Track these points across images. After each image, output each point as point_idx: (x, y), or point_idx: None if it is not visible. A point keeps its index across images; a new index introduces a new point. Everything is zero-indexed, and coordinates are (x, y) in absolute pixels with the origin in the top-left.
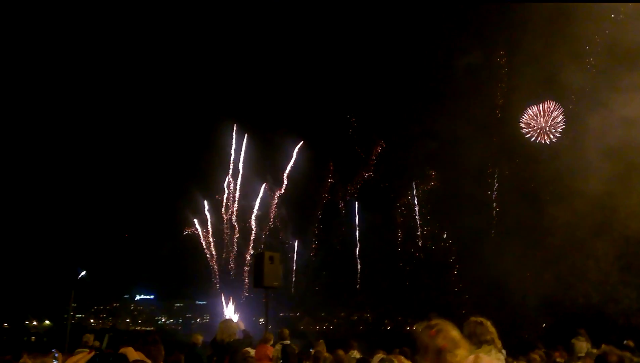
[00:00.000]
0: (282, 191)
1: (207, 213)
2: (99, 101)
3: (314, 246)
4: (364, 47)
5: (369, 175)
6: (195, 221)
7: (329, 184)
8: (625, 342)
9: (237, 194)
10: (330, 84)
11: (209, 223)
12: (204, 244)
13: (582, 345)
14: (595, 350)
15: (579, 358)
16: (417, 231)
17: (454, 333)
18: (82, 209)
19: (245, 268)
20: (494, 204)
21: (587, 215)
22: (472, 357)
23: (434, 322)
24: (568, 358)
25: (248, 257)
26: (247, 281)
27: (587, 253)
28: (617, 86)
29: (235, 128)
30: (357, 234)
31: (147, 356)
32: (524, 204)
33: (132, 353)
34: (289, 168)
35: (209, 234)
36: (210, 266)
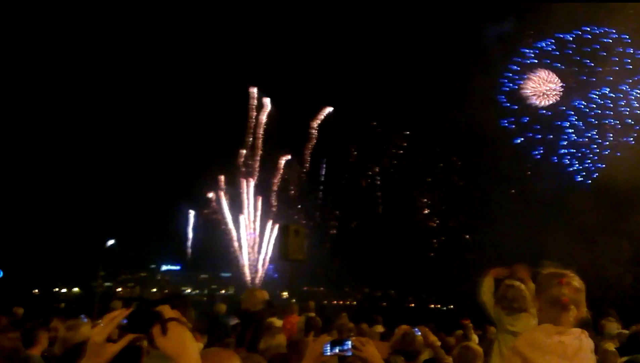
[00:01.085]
0: (306, 166)
1: (220, 191)
2: (121, 80)
3: (333, 223)
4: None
5: (395, 153)
6: (215, 195)
7: (352, 161)
8: None
9: (257, 165)
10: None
11: (223, 201)
12: (227, 219)
13: (613, 326)
14: (626, 331)
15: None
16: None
17: (582, 294)
18: (111, 180)
19: (266, 242)
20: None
21: (618, 194)
22: (578, 330)
23: (566, 270)
24: (597, 340)
25: (268, 230)
26: (267, 254)
27: (620, 233)
28: None
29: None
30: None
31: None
32: (554, 181)
33: (168, 311)
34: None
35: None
36: (231, 239)
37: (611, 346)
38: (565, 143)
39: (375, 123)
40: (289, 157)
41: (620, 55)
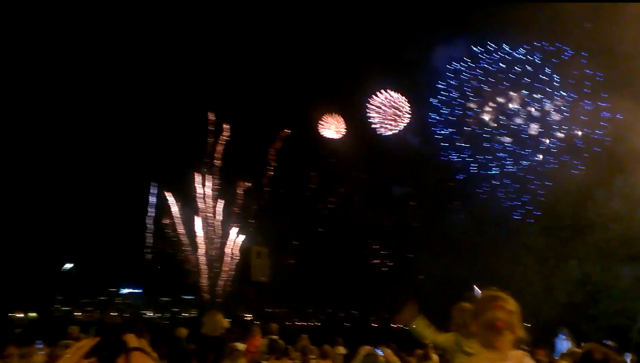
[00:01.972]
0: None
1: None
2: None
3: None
4: None
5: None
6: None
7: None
8: (605, 341)
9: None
10: None
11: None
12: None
13: (565, 345)
14: (578, 350)
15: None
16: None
17: (516, 316)
18: (70, 202)
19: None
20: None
21: (567, 216)
22: (520, 353)
23: (499, 292)
24: (551, 358)
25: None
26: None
27: (570, 253)
28: None
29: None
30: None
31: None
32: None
33: (133, 340)
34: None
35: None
36: (189, 260)
37: None
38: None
39: (333, 160)
40: (249, 184)
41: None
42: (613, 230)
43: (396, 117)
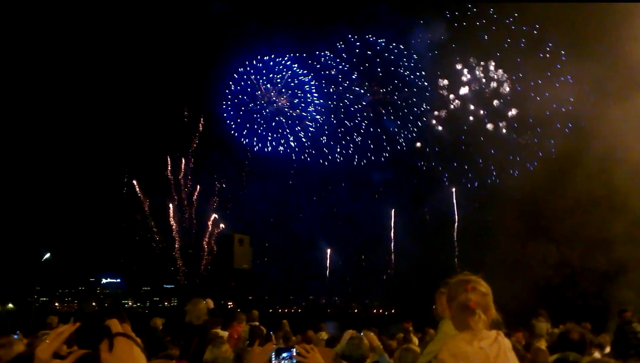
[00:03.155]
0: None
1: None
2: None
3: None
4: None
5: None
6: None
7: None
8: (582, 323)
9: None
10: None
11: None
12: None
13: (542, 326)
14: (555, 330)
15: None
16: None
17: (489, 297)
18: (47, 190)
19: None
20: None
21: (549, 200)
22: (494, 332)
23: (472, 276)
24: (530, 339)
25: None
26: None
27: (549, 237)
28: None
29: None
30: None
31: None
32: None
33: (116, 325)
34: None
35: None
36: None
37: (542, 344)
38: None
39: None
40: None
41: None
42: (591, 214)
43: None
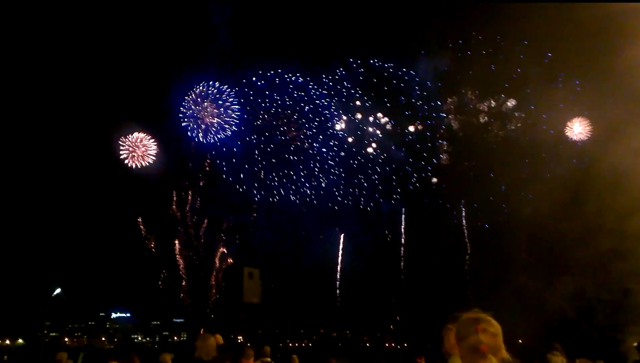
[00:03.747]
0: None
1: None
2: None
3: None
4: None
5: None
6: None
7: None
8: (596, 361)
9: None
10: None
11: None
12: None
13: (558, 360)
14: None
15: None
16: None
17: (499, 338)
18: (58, 226)
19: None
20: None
21: (562, 233)
22: None
23: (482, 315)
24: None
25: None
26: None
27: (563, 268)
28: None
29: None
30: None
31: None
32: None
33: None
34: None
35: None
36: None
37: None
38: None
39: None
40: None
41: None
42: (604, 244)
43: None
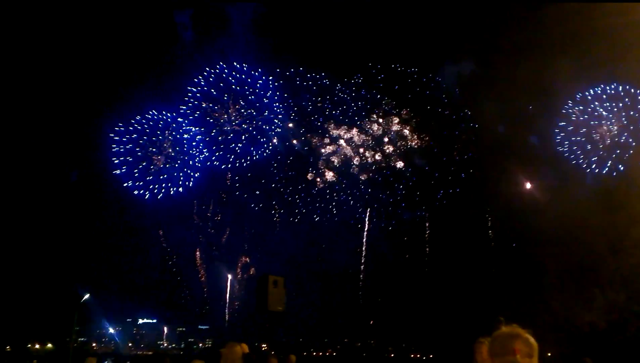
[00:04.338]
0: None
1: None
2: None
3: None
4: None
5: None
6: None
7: None
8: None
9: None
10: None
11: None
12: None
13: None
14: None
15: None
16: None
17: (534, 359)
18: (87, 235)
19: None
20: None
21: (591, 243)
22: None
23: (519, 330)
24: None
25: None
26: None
27: (593, 281)
28: None
29: None
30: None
31: None
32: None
33: None
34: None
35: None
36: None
37: None
38: None
39: None
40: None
41: None
42: (636, 257)
43: None
